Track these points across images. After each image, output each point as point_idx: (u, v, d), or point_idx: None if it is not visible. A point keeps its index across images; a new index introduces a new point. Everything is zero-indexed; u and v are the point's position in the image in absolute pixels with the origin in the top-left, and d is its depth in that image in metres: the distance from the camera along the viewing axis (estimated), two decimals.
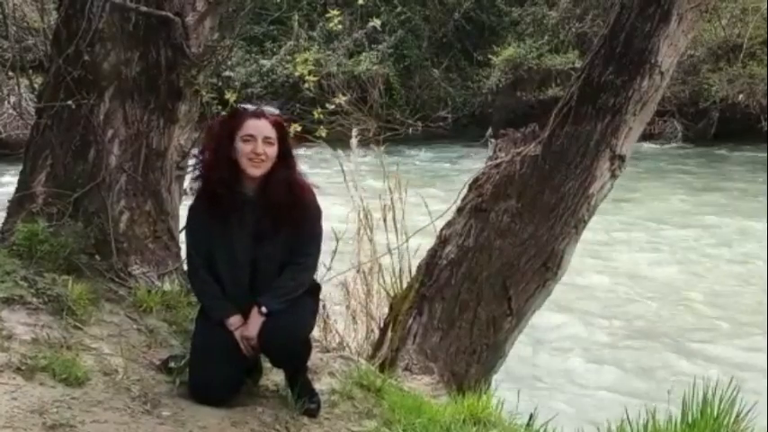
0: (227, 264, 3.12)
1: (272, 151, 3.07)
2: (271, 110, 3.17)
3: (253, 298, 3.10)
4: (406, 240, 4.97)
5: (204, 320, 3.25)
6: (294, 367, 3.19)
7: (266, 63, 20.76)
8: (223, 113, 4.23)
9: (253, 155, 3.03)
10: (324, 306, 4.45)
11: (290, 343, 3.09)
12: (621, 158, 4.31)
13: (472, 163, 13.68)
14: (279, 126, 3.11)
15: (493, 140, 4.83)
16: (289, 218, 3.09)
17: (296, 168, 3.16)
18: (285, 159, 3.12)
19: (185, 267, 4.22)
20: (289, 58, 18.53)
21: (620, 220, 11.38)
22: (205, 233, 3.17)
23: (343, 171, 5.58)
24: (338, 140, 6.86)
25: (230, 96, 4.83)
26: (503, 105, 20.72)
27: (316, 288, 3.35)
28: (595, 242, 9.19)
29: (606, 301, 8.58)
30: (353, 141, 6.19)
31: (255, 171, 3.06)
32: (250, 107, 3.16)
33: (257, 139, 3.04)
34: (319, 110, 5.73)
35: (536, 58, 20.56)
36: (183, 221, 4.26)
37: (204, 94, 4.26)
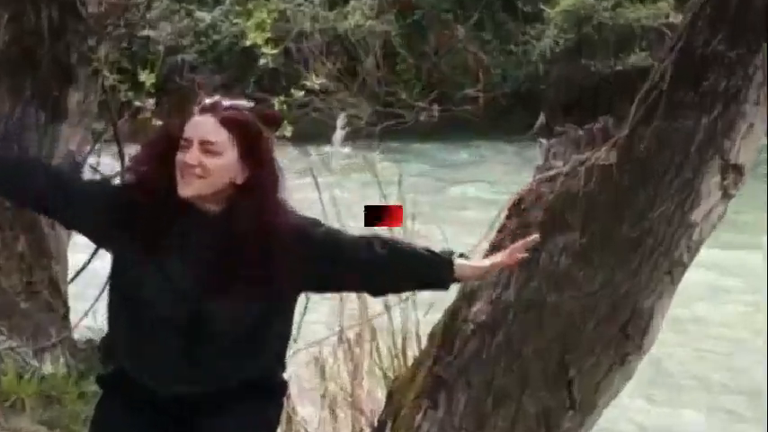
0: (154, 296, 3.03)
1: (215, 164, 3.01)
2: (239, 103, 3.12)
3: (188, 369, 3.05)
4: (413, 293, 4.96)
5: (109, 410, 3.21)
6: None
7: (204, 17, 20.92)
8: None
9: (182, 165, 3.02)
10: (287, 396, 4.43)
11: None
12: (738, 169, 4.30)
13: (515, 170, 13.75)
14: (234, 125, 3.04)
15: (544, 141, 4.82)
16: (259, 265, 3.02)
17: (273, 192, 3.09)
18: (255, 177, 3.06)
19: (76, 338, 4.24)
20: (238, 9, 18.65)
21: None
22: (102, 207, 3.11)
23: (316, 181, 5.60)
24: (313, 132, 6.81)
25: (146, 78, 4.81)
26: (561, 80, 20.90)
27: (279, 387, 3.34)
28: None
29: None
30: (337, 135, 6.20)
31: (183, 190, 3.03)
32: (209, 100, 3.10)
33: (192, 144, 3.02)
34: (283, 97, 5.70)
35: (610, 10, 20.74)
36: (73, 268, 4.27)
37: (108, 75, 4.25)
